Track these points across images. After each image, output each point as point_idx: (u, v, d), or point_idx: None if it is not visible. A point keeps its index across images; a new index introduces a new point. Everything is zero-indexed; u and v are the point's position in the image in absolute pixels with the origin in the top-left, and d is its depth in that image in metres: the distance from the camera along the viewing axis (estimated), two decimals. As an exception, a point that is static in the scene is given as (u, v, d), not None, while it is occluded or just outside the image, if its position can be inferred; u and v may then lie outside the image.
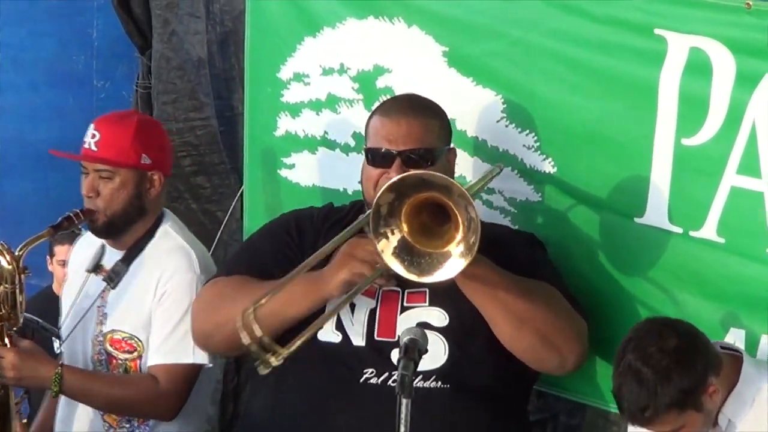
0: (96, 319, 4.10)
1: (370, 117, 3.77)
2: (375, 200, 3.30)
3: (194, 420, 4.15)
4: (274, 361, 3.21)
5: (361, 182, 3.75)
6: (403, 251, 3.32)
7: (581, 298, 3.72)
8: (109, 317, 4.08)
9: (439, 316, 3.61)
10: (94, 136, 4.02)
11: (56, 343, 4.31)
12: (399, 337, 3.39)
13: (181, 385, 4.01)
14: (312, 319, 3.49)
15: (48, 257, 5.74)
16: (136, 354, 4.04)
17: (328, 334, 3.62)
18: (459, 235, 3.28)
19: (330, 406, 3.58)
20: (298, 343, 3.30)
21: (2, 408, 4.02)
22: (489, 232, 3.44)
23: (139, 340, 4.04)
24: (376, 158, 3.66)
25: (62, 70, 6.07)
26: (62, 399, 4.16)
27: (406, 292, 3.63)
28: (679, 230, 3.69)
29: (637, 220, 3.77)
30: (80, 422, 4.13)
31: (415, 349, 3.10)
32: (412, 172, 3.40)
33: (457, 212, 3.28)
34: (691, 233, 3.65)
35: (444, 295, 3.58)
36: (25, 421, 5.15)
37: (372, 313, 3.62)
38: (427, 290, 3.60)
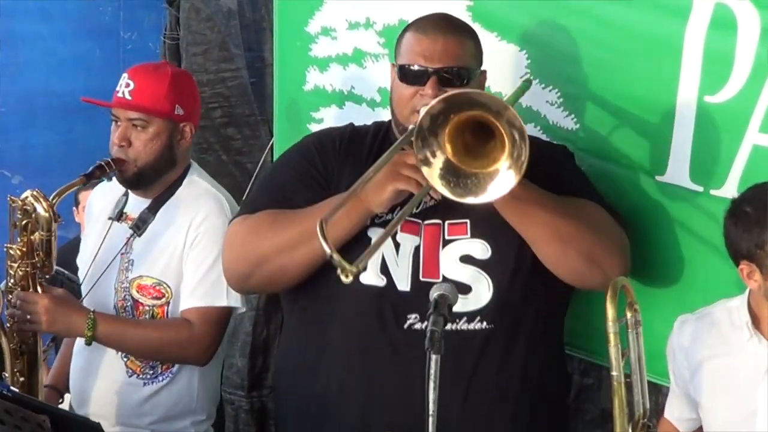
0: (120, 266, 4.09)
1: (403, 34, 3.63)
2: (418, 122, 3.19)
3: (215, 365, 4.16)
4: (355, 269, 3.02)
5: (390, 103, 3.64)
6: (449, 173, 3.23)
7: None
8: (135, 264, 4.06)
9: (482, 248, 3.54)
10: (128, 85, 4.01)
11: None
12: (443, 276, 3.43)
13: (215, 328, 4.01)
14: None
15: (74, 208, 5.74)
16: (164, 300, 4.03)
17: (372, 277, 3.54)
18: (506, 152, 3.17)
19: (373, 352, 3.52)
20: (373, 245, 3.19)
21: (30, 356, 4.03)
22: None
23: (168, 286, 4.03)
24: (410, 75, 3.53)
25: (89, 21, 6.05)
26: (78, 348, 4.16)
27: (446, 223, 3.55)
28: (699, 189, 3.68)
29: (658, 177, 3.76)
30: (102, 369, 4.11)
31: (444, 304, 3.06)
32: (454, 91, 3.27)
33: (501, 128, 3.17)
34: (712, 192, 3.64)
35: (485, 225, 3.51)
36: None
37: (416, 251, 3.54)
38: (468, 221, 3.54)
